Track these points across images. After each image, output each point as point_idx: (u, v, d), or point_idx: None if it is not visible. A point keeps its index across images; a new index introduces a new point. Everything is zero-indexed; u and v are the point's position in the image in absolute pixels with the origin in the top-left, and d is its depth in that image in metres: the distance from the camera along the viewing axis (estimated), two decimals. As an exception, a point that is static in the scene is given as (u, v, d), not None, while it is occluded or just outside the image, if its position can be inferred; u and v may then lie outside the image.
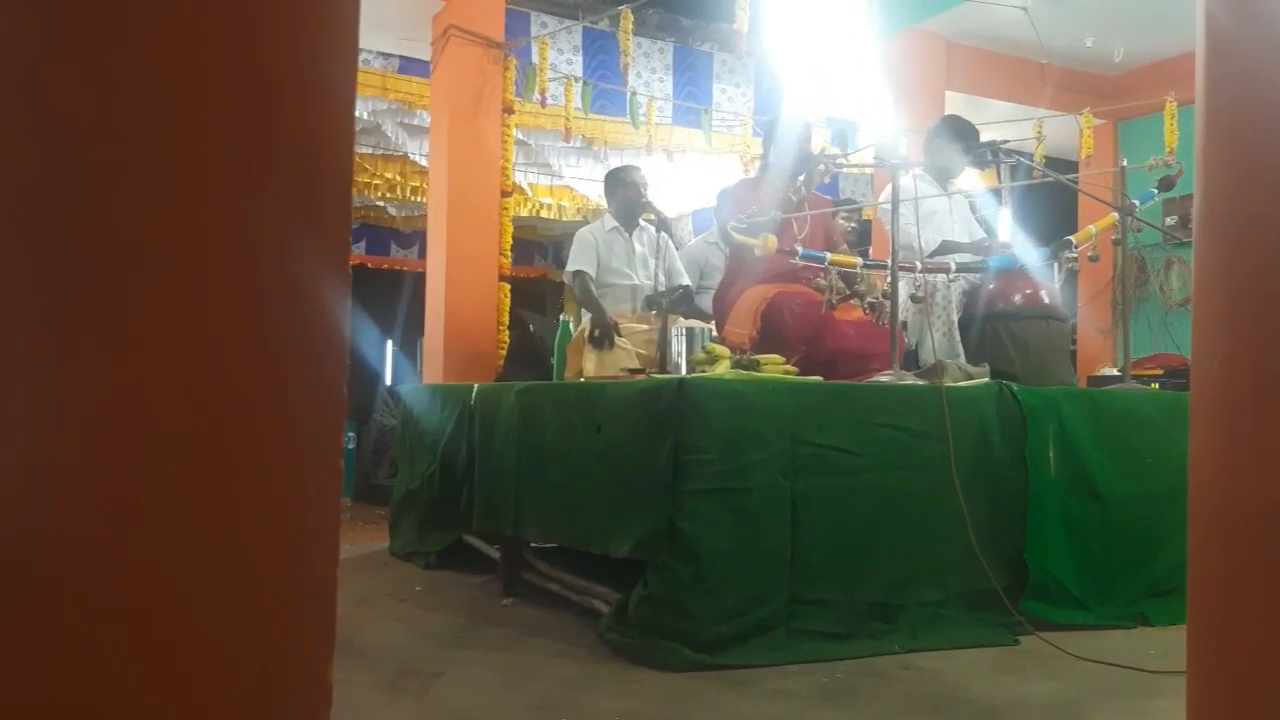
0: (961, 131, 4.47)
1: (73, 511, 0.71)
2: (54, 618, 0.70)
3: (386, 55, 6.20)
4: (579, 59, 6.00)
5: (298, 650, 0.78)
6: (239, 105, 0.75)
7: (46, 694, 0.70)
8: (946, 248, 4.16)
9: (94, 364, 0.71)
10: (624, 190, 4.63)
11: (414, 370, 9.58)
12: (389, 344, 10.60)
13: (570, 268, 4.60)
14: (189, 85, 0.74)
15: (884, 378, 3.37)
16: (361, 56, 5.93)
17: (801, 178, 4.14)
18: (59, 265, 0.70)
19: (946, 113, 5.43)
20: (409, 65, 6.22)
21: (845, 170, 6.97)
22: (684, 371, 3.45)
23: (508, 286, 5.63)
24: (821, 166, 4.19)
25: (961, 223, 4.48)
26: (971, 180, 5.14)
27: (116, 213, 0.72)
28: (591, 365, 4.08)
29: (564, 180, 7.95)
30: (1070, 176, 4.76)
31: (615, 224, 4.67)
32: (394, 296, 10.08)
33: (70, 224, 0.71)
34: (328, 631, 0.79)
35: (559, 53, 5.89)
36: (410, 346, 10.04)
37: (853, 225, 6.13)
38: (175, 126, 0.73)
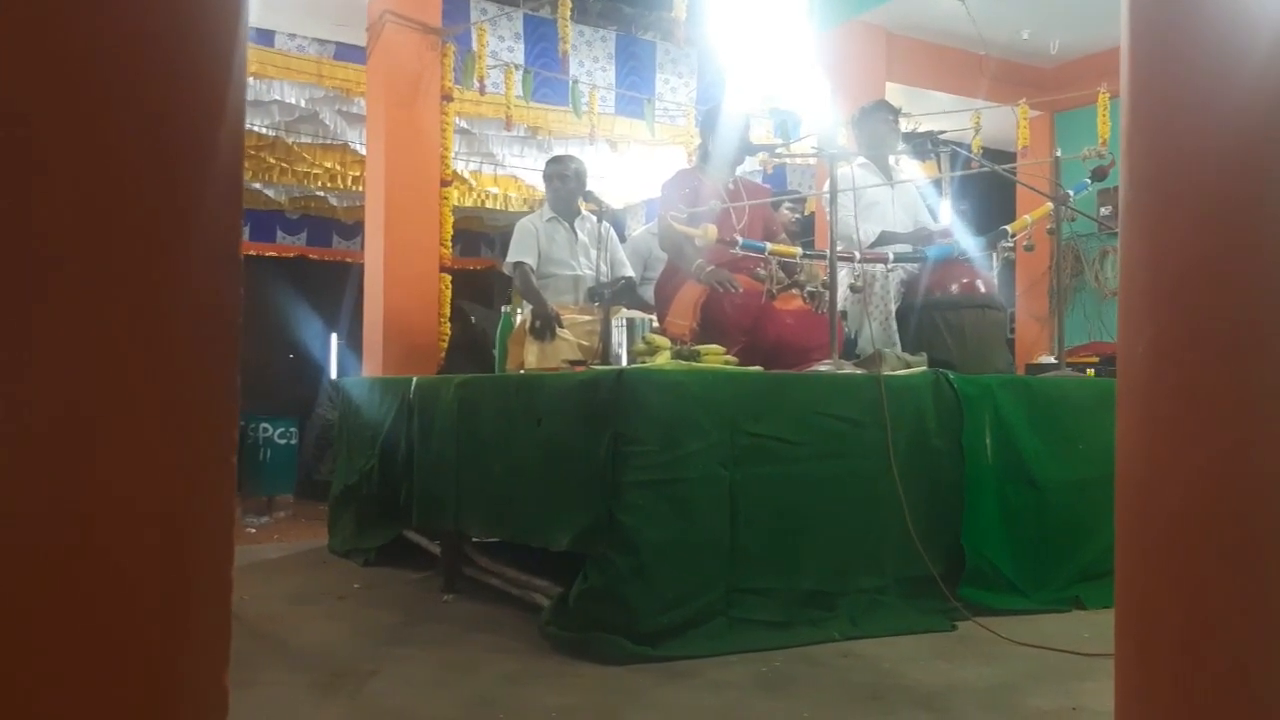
0: (881, 104, 4.54)
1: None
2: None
3: (322, 41, 6.07)
4: (520, 46, 5.92)
5: (189, 657, 0.74)
6: (110, 78, 0.71)
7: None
8: (885, 238, 4.18)
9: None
10: (558, 181, 4.60)
11: (359, 364, 9.45)
12: (333, 337, 10.43)
13: (511, 259, 4.55)
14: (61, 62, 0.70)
15: (823, 367, 3.38)
16: (295, 42, 5.81)
17: (742, 168, 4.14)
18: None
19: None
20: (345, 51, 6.10)
21: (789, 161, 6.99)
22: (625, 363, 3.43)
23: (449, 278, 5.56)
24: (763, 155, 4.19)
25: (905, 212, 4.50)
26: (913, 170, 5.17)
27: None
28: (533, 357, 4.04)
29: (508, 170, 7.87)
30: (1007, 167, 4.81)
31: (553, 214, 4.62)
32: (338, 289, 9.92)
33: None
34: (222, 636, 0.75)
35: (500, 40, 5.82)
36: (355, 340, 9.89)
37: (796, 216, 6.14)
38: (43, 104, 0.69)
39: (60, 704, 0.69)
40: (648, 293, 4.66)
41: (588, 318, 4.18)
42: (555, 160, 4.77)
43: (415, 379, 4.11)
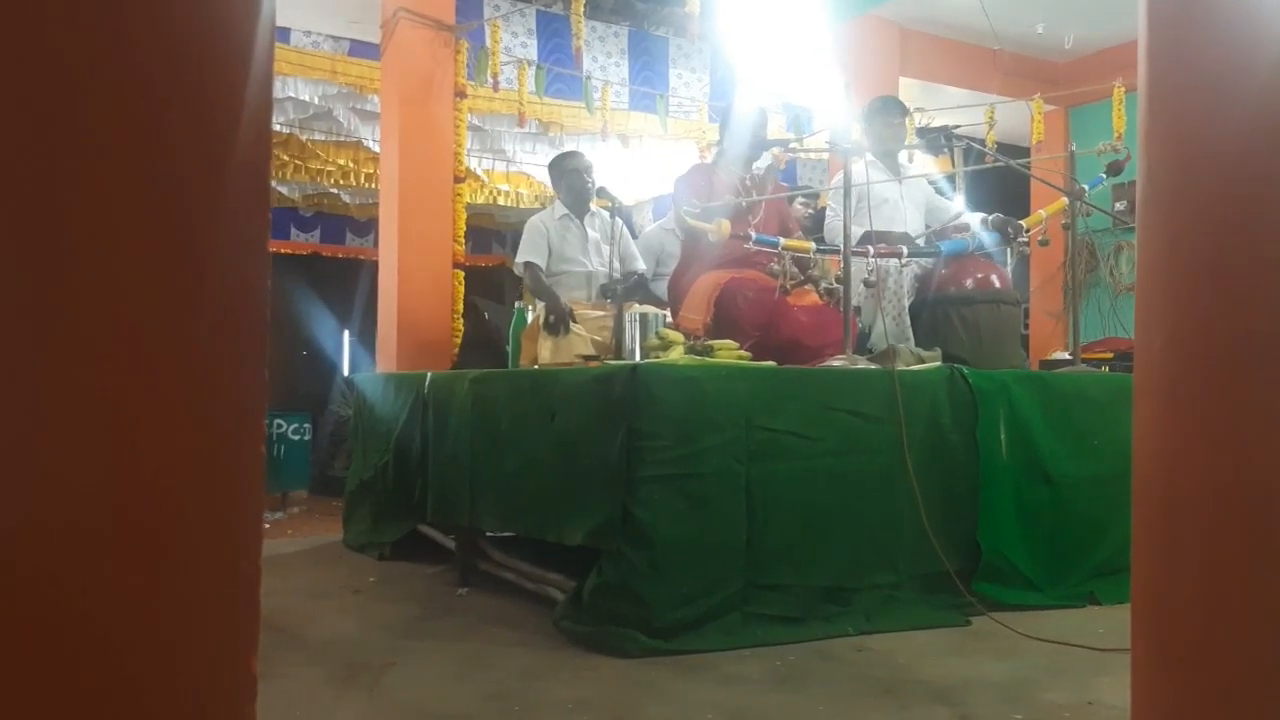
0: (888, 103, 4.52)
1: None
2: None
3: (336, 38, 6.09)
4: (533, 42, 5.93)
5: (221, 643, 0.75)
6: (144, 75, 0.72)
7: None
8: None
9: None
10: (567, 177, 4.60)
11: (372, 360, 9.49)
12: (346, 334, 10.48)
13: (520, 258, 4.56)
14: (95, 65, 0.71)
15: (837, 362, 3.38)
16: (310, 39, 5.83)
17: (758, 164, 4.13)
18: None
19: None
20: (359, 48, 6.11)
21: (801, 156, 6.98)
22: (638, 358, 3.43)
23: (462, 274, 5.57)
24: (777, 150, 4.18)
25: (914, 209, 4.48)
26: (925, 165, 5.17)
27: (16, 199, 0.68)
28: (547, 352, 4.05)
29: (520, 166, 7.87)
30: (1021, 161, 4.80)
31: (565, 210, 4.63)
32: (351, 286, 9.95)
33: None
34: (251, 623, 0.77)
35: (513, 36, 5.83)
36: (368, 336, 9.93)
37: (810, 212, 6.14)
38: (81, 100, 0.70)
39: (94, 685, 0.70)
40: (660, 288, 4.66)
41: (600, 313, 4.19)
42: (570, 155, 4.76)
43: (430, 375, 4.13)
